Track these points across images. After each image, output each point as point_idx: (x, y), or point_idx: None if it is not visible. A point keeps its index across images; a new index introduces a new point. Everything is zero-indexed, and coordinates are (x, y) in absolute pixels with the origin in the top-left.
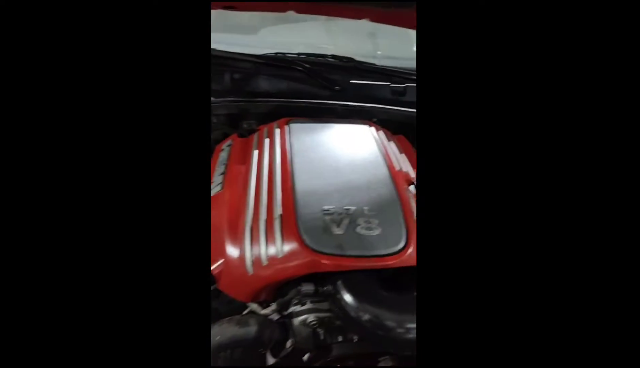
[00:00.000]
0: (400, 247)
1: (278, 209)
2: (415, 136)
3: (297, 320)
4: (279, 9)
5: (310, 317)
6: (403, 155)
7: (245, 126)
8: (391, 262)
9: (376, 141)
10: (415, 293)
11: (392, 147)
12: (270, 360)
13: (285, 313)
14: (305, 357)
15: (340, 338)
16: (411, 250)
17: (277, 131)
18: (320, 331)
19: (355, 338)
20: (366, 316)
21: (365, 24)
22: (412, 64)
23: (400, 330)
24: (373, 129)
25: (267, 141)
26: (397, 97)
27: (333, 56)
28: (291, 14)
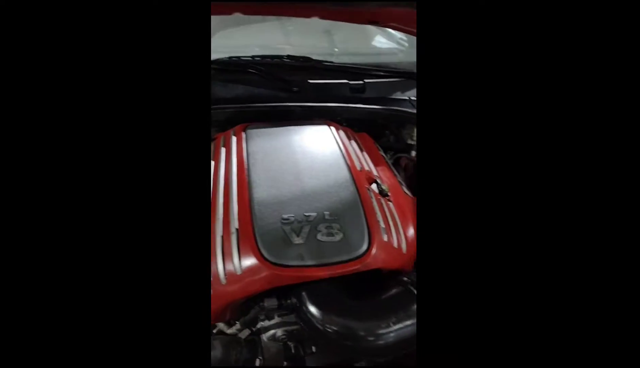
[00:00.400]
0: (362, 250)
1: (234, 223)
2: (377, 132)
3: (265, 336)
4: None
5: (279, 332)
6: (364, 153)
7: None
8: (354, 267)
9: (336, 141)
10: (383, 297)
11: (353, 146)
12: None
13: (254, 329)
14: None
15: (313, 349)
16: (374, 251)
17: (234, 139)
18: (291, 344)
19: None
20: (333, 328)
21: (320, 22)
22: (370, 59)
23: (370, 338)
24: (333, 129)
25: (223, 150)
26: (356, 95)
27: (289, 57)
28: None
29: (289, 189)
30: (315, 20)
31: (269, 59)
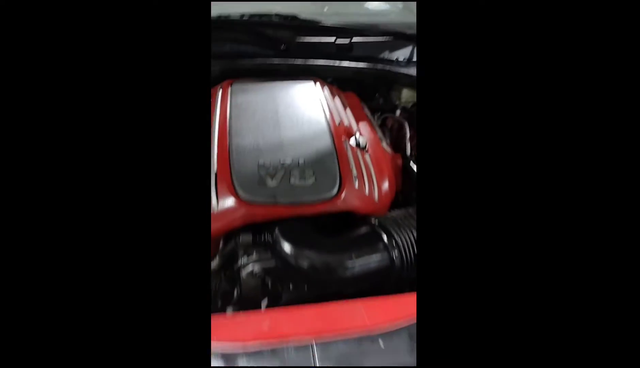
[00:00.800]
0: (333, 193)
1: (214, 168)
2: (365, 93)
3: (244, 272)
4: None
5: (257, 267)
6: (347, 110)
7: None
8: (324, 208)
9: (319, 96)
10: (351, 235)
11: (336, 102)
12: (228, 310)
13: (235, 267)
14: (263, 305)
15: (290, 287)
16: (344, 195)
17: (220, 93)
18: (268, 280)
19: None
20: (305, 262)
21: None
22: (361, 19)
23: (338, 271)
24: (318, 85)
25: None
26: (344, 53)
27: (277, 15)
28: None
29: (267, 139)
30: None
31: (257, 18)
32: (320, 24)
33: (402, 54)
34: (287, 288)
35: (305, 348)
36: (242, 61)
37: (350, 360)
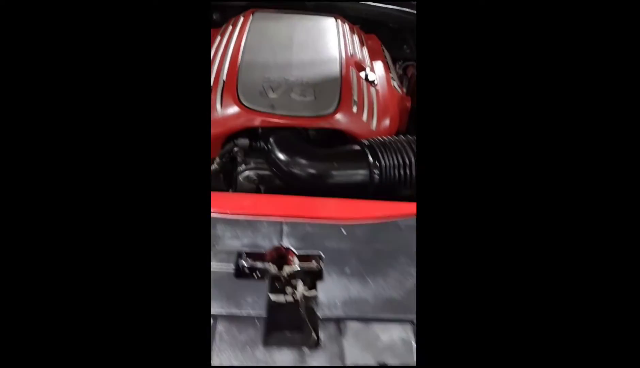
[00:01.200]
0: (329, 112)
1: (223, 76)
2: (392, 40)
3: (241, 176)
4: None
5: (252, 174)
6: (364, 48)
7: (214, 18)
8: (317, 123)
9: (337, 29)
10: (341, 149)
11: (353, 39)
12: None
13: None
14: None
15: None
16: (339, 115)
17: (241, 19)
18: (262, 187)
19: None
20: (293, 167)
21: None
22: None
23: (324, 178)
24: (339, 21)
25: (230, 28)
26: None
27: None
28: None
29: (277, 58)
30: None
31: None
32: None
33: None
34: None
35: (276, 224)
36: None
37: (313, 240)
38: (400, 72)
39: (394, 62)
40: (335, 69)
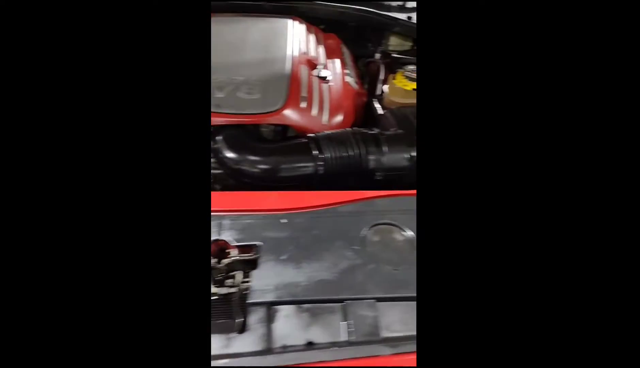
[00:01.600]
0: (276, 108)
1: None
2: (356, 39)
3: None
4: None
5: None
6: (320, 46)
7: None
8: (265, 119)
9: (290, 31)
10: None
11: (309, 38)
12: None
13: None
14: None
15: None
16: (287, 111)
17: None
18: (218, 186)
19: None
20: (244, 165)
21: None
22: None
23: (270, 172)
24: (295, 22)
25: None
26: None
27: None
28: None
29: (227, 59)
30: None
31: None
32: None
33: None
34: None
35: (215, 218)
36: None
37: (253, 231)
38: (363, 68)
39: (358, 59)
40: (284, 67)
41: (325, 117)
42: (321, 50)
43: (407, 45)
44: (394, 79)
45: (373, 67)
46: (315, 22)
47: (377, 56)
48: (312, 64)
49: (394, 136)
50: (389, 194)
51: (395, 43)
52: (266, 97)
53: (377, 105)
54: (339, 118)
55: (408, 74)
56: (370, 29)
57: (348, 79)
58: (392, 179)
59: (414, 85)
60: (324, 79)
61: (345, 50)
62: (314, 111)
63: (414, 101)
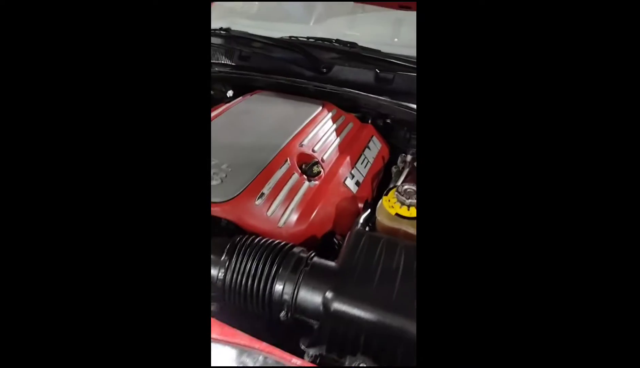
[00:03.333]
0: (224, 199)
1: None
2: (392, 126)
3: None
4: None
5: None
6: (336, 139)
7: (223, 90)
8: (212, 209)
9: (308, 117)
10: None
11: (322, 127)
12: None
13: None
14: None
15: None
16: (233, 205)
17: (240, 98)
18: None
19: None
20: None
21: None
22: None
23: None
24: (323, 109)
25: (225, 105)
26: (381, 86)
27: (337, 41)
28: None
29: (221, 140)
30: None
31: (320, 42)
32: (379, 52)
33: None
34: None
35: None
36: (278, 78)
37: None
38: (401, 164)
39: (399, 153)
40: (266, 157)
41: (282, 220)
42: (333, 142)
43: None
44: (385, 194)
45: (406, 160)
46: (350, 109)
47: (408, 155)
48: (304, 158)
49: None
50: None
51: None
52: (225, 185)
53: (360, 220)
54: (305, 223)
55: (398, 194)
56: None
57: (349, 181)
58: (301, 325)
59: (402, 210)
60: (309, 175)
61: (376, 144)
62: (270, 211)
63: (402, 226)
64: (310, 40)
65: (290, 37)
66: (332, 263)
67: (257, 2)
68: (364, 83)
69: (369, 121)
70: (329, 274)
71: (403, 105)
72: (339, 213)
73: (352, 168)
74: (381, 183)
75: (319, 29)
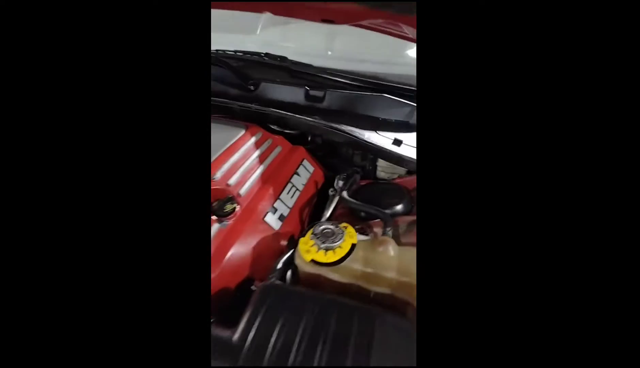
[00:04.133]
0: None
1: None
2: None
3: None
4: (255, 9)
5: None
6: (260, 165)
7: None
8: None
9: (228, 145)
10: None
11: (244, 155)
12: None
13: None
14: None
15: None
16: None
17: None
18: None
19: None
20: None
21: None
22: (369, 67)
23: None
24: (245, 133)
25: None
26: (312, 104)
27: (267, 55)
28: (268, 15)
29: None
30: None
31: (248, 56)
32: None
33: (398, 114)
34: None
35: None
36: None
37: None
38: (332, 192)
39: (336, 174)
40: None
41: None
42: (257, 170)
43: (399, 172)
44: (302, 236)
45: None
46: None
47: (340, 180)
48: (216, 194)
49: None
50: None
51: (385, 165)
52: None
53: (279, 264)
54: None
55: (314, 237)
56: (348, 147)
57: (270, 216)
58: None
59: (318, 255)
60: (224, 216)
61: (307, 168)
62: None
63: (321, 272)
64: (238, 53)
65: (217, 50)
66: (227, 334)
67: None
68: (293, 102)
69: (309, 138)
70: (223, 350)
71: (333, 127)
72: (257, 255)
73: (275, 200)
74: (317, 208)
75: (258, 40)
